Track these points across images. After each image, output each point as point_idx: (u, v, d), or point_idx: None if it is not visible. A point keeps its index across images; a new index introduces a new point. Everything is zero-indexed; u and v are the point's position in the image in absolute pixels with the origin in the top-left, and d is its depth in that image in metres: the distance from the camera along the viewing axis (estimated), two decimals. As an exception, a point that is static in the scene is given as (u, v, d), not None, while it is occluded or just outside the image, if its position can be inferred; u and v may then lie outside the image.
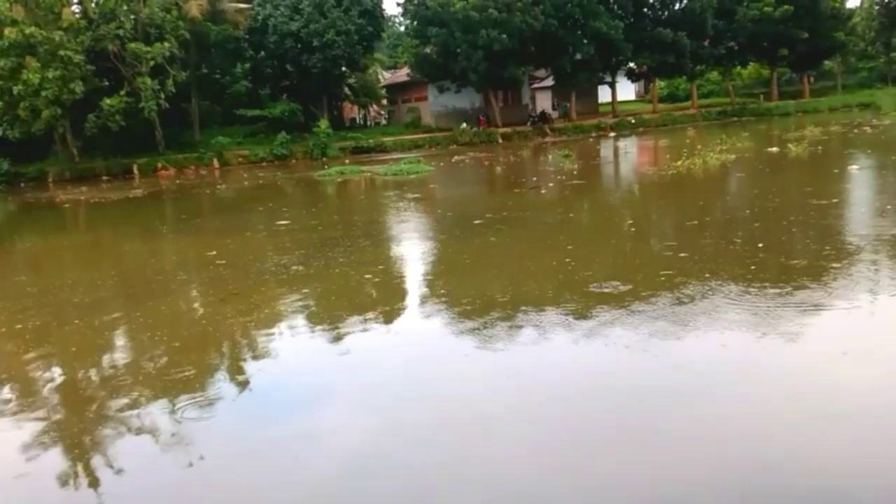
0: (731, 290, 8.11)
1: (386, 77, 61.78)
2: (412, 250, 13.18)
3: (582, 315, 7.69)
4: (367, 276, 10.70)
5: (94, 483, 5.06)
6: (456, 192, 22.92)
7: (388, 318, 8.48)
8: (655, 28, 47.61)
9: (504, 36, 41.49)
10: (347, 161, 37.51)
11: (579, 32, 45.40)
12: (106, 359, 7.81)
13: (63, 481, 5.12)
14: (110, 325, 9.24)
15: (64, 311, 10.06)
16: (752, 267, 9.16)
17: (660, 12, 50.16)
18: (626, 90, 62.17)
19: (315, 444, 5.47)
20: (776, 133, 33.69)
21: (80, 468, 5.31)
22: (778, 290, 8.05)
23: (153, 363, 7.50)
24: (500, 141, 45.07)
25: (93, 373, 7.45)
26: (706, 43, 49.52)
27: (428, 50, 45.20)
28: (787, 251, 10.09)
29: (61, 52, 35.54)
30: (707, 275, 8.85)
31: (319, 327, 8.30)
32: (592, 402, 5.82)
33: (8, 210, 30.37)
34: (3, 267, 15.17)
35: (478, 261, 11.32)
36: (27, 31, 34.92)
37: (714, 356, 6.49)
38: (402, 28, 61.35)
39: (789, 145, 24.67)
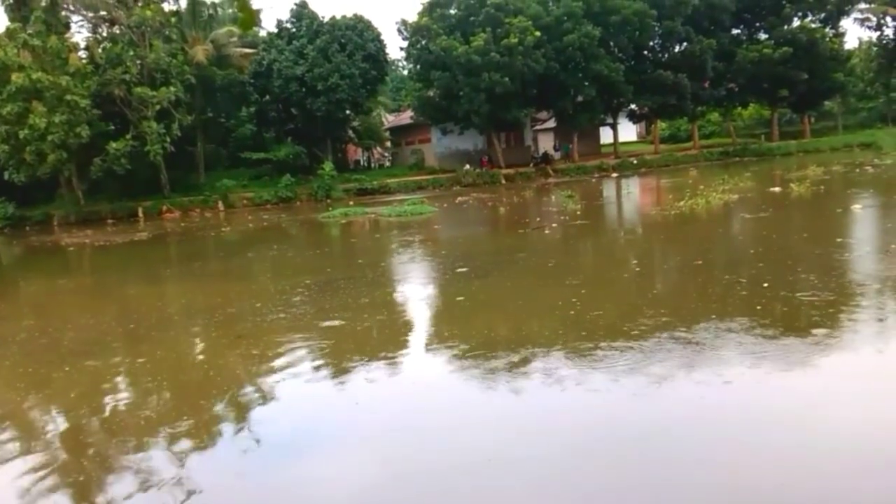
0: (738, 332, 8.04)
1: (390, 119, 62.32)
2: (417, 293, 13.14)
3: (589, 358, 7.63)
4: (371, 319, 10.66)
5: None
6: (460, 234, 22.95)
7: (394, 362, 8.41)
8: (656, 70, 48.02)
9: (506, 79, 41.87)
10: (352, 203, 37.68)
11: (580, 75, 45.78)
12: (108, 404, 7.73)
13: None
14: (114, 370, 9.19)
15: (67, 355, 10.01)
16: (758, 307, 9.11)
17: (660, 55, 50.67)
18: (628, 131, 62.54)
19: (320, 493, 5.39)
20: (778, 173, 33.78)
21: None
22: (784, 332, 7.99)
23: (156, 408, 7.44)
24: (504, 182, 45.22)
25: (95, 419, 7.37)
26: (706, 84, 49.88)
27: (431, 93, 45.59)
28: (793, 291, 10.03)
29: (68, 97, 35.97)
30: (713, 316, 8.79)
31: (324, 372, 8.23)
32: (604, 447, 5.74)
33: (13, 253, 30.48)
34: (10, 311, 15.16)
35: (484, 303, 11.27)
36: (34, 77, 35.41)
37: (723, 400, 6.42)
38: (406, 72, 62.16)
39: (792, 185, 24.71)
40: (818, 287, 10.05)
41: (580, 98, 46.93)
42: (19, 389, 8.45)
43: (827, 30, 50.98)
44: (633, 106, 52.01)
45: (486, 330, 9.42)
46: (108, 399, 7.87)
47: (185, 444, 6.34)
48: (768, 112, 56.97)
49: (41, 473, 5.93)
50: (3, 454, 6.47)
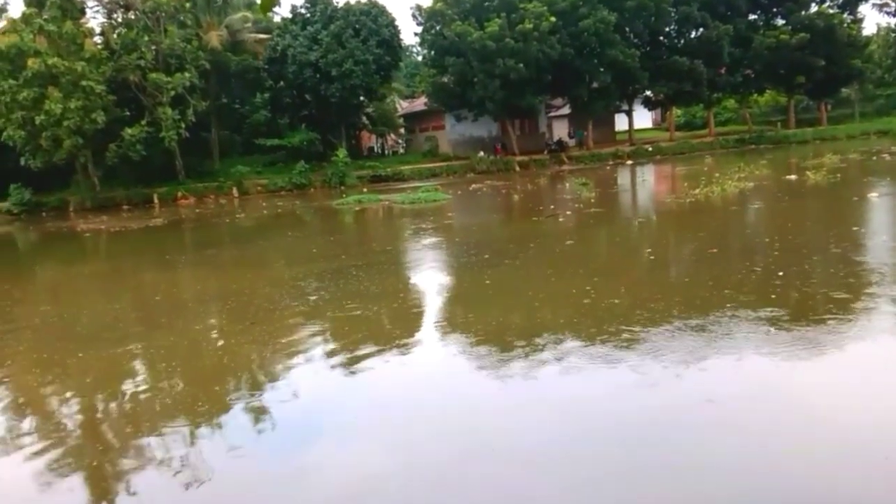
0: (752, 321, 8.01)
1: (403, 106, 62.19)
2: (431, 280, 13.14)
3: (603, 346, 7.62)
4: (384, 306, 10.68)
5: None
6: (473, 221, 22.93)
7: (408, 349, 8.43)
8: (672, 56, 47.68)
9: (521, 65, 41.67)
10: (365, 190, 37.68)
11: (596, 61, 45.47)
12: (123, 388, 7.80)
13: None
14: (128, 355, 9.27)
15: (82, 341, 10.10)
16: (773, 296, 9.07)
17: (676, 40, 50.26)
18: (643, 118, 62.16)
19: (331, 478, 5.42)
20: (794, 161, 33.52)
21: (96, 498, 5.29)
22: (799, 320, 7.95)
23: (170, 393, 7.50)
24: (518, 169, 45.11)
25: (110, 402, 7.46)
26: (723, 71, 49.48)
27: (445, 79, 45.47)
28: (808, 280, 9.98)
29: (83, 83, 36.07)
30: (728, 304, 8.75)
31: (337, 358, 8.26)
32: (615, 435, 5.73)
33: (30, 239, 30.71)
34: (26, 296, 15.29)
35: (498, 291, 11.26)
36: (50, 62, 35.49)
37: (739, 387, 6.40)
38: (420, 58, 61.95)
39: (808, 173, 24.52)
40: (833, 276, 9.99)
41: (595, 84, 46.70)
42: (35, 374, 8.53)
43: (845, 15, 50.47)
44: (648, 92, 51.65)
45: (499, 318, 9.42)
46: (122, 384, 7.93)
47: (198, 428, 6.39)
48: (785, 99, 56.47)
49: (57, 458, 5.99)
50: (19, 438, 6.54)
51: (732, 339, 7.46)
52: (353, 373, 7.66)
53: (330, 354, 8.44)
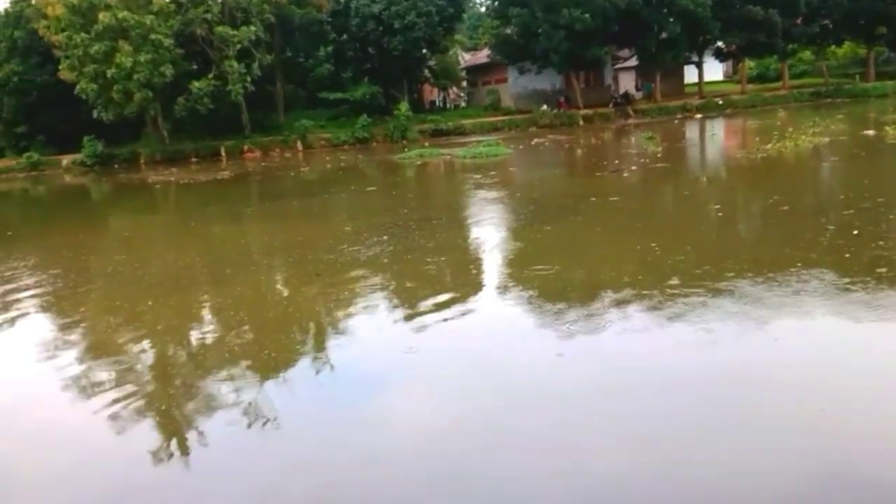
0: (823, 281, 7.79)
1: (466, 59, 61.52)
2: (492, 235, 13.11)
3: (667, 302, 7.51)
4: (445, 260, 10.71)
5: (179, 453, 5.24)
6: (535, 176, 22.72)
7: (469, 302, 8.43)
8: (745, 5, 45.80)
9: (587, 15, 40.71)
10: (427, 144, 37.63)
11: (665, 10, 44.07)
12: (192, 335, 8.06)
13: (149, 451, 5.30)
14: (197, 304, 9.55)
15: (153, 289, 10.40)
16: (847, 255, 8.79)
17: (750, -11, 48.33)
18: (714, 70, 60.19)
19: (391, 427, 5.50)
20: (873, 115, 32.13)
21: (163, 438, 5.50)
22: (873, 281, 7.69)
23: (237, 341, 7.68)
24: (581, 123, 44.36)
25: (179, 348, 7.70)
26: (799, 21, 47.41)
27: (509, 30, 44.78)
28: (885, 240, 9.62)
29: (152, 36, 36.73)
30: (799, 263, 8.51)
31: (398, 310, 8.34)
32: (677, 391, 5.67)
33: (103, 190, 31.68)
34: (100, 245, 15.81)
35: (559, 246, 11.18)
36: (120, 16, 36.23)
37: (803, 348, 6.26)
38: (483, 9, 61.09)
39: (887, 128, 23.48)
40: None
41: (664, 35, 45.26)
42: (108, 321, 8.85)
43: (933, -39, 47.70)
44: (719, 43, 49.83)
45: (561, 273, 9.35)
46: (191, 332, 8.19)
47: (264, 374, 6.55)
48: (864, 50, 54.00)
49: (128, 400, 6.22)
50: (92, 381, 6.82)
51: (802, 299, 7.26)
52: (413, 324, 7.72)
53: (391, 306, 8.53)
